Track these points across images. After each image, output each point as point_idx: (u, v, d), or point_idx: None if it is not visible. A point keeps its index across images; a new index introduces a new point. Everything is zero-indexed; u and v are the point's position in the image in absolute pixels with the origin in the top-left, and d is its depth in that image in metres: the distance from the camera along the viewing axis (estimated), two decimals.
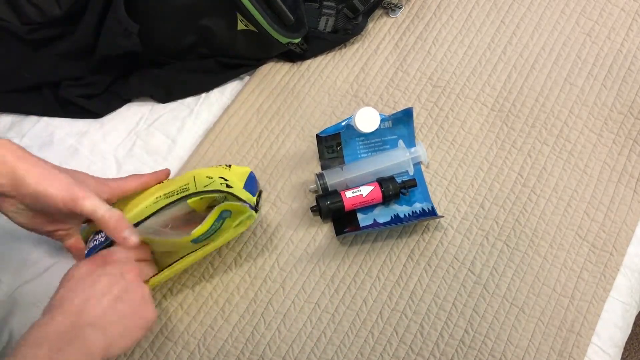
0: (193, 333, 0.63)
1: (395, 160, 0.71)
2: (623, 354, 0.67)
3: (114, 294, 0.51)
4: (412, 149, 0.71)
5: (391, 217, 0.69)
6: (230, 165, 0.67)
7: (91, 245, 0.59)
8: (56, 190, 0.53)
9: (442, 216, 0.68)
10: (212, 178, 0.60)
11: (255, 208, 0.60)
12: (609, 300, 0.65)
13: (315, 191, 0.71)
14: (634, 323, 0.69)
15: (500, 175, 0.72)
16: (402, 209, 0.69)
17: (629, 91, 0.77)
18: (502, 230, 0.68)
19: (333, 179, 0.69)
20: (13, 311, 0.63)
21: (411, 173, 0.71)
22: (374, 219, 0.69)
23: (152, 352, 0.62)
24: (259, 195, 0.66)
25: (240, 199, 0.58)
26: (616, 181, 0.71)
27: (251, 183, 0.68)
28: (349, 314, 0.64)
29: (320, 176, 0.69)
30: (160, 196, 0.61)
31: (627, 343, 0.69)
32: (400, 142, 0.72)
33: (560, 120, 0.75)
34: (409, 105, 0.76)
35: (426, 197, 0.70)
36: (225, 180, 0.61)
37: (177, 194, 0.59)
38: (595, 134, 0.75)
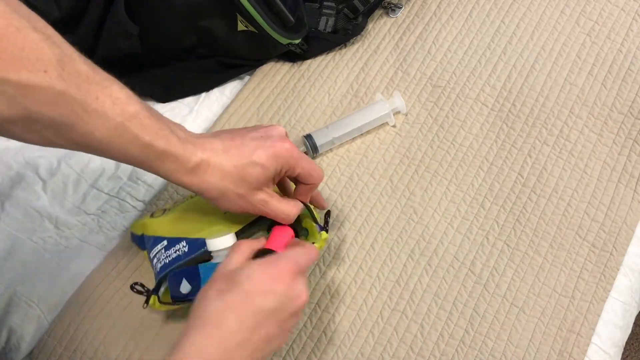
0: None
1: (377, 114, 0.73)
2: (623, 354, 0.67)
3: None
4: (391, 101, 0.75)
5: None
6: None
7: (170, 258, 0.54)
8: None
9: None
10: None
11: (326, 228, 0.58)
12: (609, 300, 0.65)
13: (305, 152, 0.72)
14: (634, 323, 0.69)
15: (500, 175, 0.72)
16: None
17: (629, 91, 0.77)
18: (502, 230, 0.68)
19: (321, 139, 0.72)
20: (11, 310, 0.64)
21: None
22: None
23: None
24: (329, 215, 0.62)
25: (314, 219, 0.57)
26: (616, 181, 0.71)
27: None
28: (349, 314, 0.64)
29: (308, 137, 0.71)
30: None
31: (627, 343, 0.68)
32: (379, 94, 0.75)
33: (560, 120, 0.75)
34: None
35: None
36: None
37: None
38: (595, 134, 0.75)
